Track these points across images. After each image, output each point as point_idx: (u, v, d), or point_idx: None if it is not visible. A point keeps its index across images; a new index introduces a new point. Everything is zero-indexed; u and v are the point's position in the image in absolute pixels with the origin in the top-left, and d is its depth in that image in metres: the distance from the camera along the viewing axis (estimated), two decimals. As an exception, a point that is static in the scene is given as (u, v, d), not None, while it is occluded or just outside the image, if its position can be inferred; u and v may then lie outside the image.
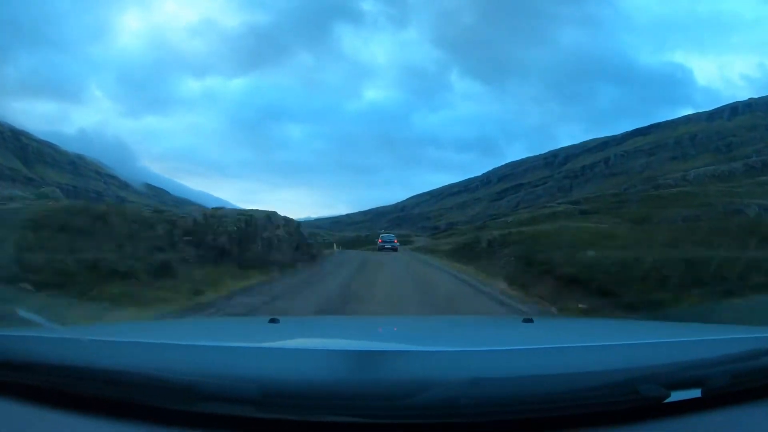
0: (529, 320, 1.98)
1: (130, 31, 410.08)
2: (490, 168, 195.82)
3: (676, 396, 1.00)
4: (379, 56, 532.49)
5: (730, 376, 1.06)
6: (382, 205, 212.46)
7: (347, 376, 1.02)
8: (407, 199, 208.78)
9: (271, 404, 0.97)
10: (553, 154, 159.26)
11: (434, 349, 1.32)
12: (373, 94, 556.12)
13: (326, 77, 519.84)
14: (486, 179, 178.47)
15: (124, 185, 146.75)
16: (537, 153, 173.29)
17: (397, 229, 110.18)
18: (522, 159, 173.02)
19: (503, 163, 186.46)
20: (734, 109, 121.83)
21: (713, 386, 1.04)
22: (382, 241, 34.28)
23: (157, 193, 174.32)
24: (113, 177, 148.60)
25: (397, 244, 34.93)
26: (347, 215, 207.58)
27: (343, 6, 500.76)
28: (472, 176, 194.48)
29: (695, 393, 1.02)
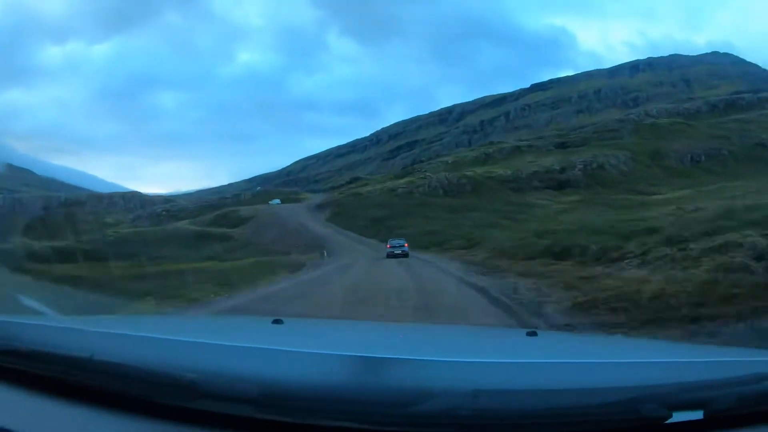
0: (533, 333, 1.89)
1: None
2: (373, 130, 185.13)
3: (678, 417, 0.99)
4: (252, 16, 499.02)
5: (733, 399, 1.05)
6: (265, 172, 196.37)
7: (348, 381, 1.02)
8: (292, 164, 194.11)
9: (270, 405, 0.97)
10: (447, 111, 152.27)
11: (436, 359, 1.29)
12: (248, 57, 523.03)
13: (197, 40, 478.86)
14: (375, 139, 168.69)
15: None
16: (419, 114, 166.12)
17: (284, 193, 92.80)
18: (413, 117, 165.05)
19: (392, 123, 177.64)
20: (635, 67, 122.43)
21: (716, 408, 1.03)
22: (391, 247, 29.08)
23: (20, 174, 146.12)
24: None
25: (407, 248, 28.93)
26: (229, 185, 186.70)
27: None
28: (359, 137, 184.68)
29: (698, 414, 1.01)
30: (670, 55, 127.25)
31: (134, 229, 50.17)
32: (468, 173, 55.05)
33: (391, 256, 27.41)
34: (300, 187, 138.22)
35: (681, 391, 1.04)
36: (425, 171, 60.09)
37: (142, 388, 1.03)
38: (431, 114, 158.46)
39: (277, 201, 66.44)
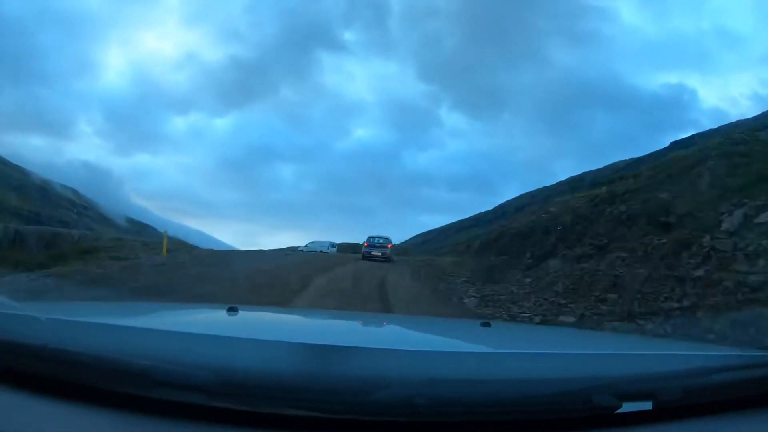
0: (486, 324, 1.93)
1: (114, 66, 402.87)
2: (489, 205, 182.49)
3: (628, 407, 1.02)
4: (364, 92, 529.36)
5: (680, 391, 1.09)
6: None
7: (303, 370, 1.01)
8: (411, 238, 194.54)
9: (225, 393, 0.96)
10: (578, 178, 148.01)
11: (392, 348, 1.31)
12: (362, 132, 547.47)
13: (313, 115, 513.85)
14: (500, 211, 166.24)
15: (101, 218, 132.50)
16: (531, 189, 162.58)
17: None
18: (540, 188, 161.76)
19: (510, 197, 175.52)
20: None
21: (664, 400, 1.06)
22: (369, 245, 22.40)
23: (140, 228, 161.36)
24: (89, 208, 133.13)
25: (390, 250, 22.60)
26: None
27: (324, 40, 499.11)
28: (480, 211, 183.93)
29: (646, 405, 1.04)
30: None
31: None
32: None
33: (366, 258, 20.26)
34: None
35: (631, 382, 1.07)
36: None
37: (96, 377, 1.01)
38: (560, 183, 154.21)
39: (322, 246, 35.68)
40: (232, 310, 1.80)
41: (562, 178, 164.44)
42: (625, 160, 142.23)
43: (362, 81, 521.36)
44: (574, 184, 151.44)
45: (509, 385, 1.02)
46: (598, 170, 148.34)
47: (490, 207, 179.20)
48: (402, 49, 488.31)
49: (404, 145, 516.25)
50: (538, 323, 7.68)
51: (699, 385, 1.13)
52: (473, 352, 1.32)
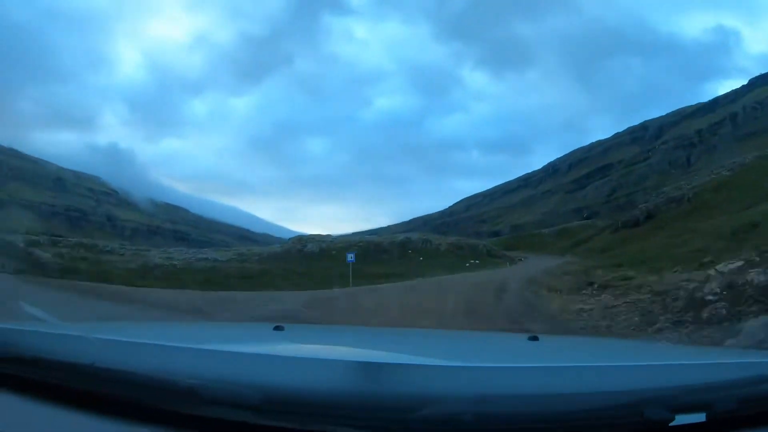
0: (534, 338, 1.94)
1: (128, 58, 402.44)
2: (526, 168, 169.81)
3: (681, 420, 0.99)
4: (381, 59, 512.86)
5: (734, 401, 1.06)
6: (424, 213, 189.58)
7: (350, 387, 1.01)
8: (454, 204, 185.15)
9: (272, 411, 0.97)
10: (641, 127, 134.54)
11: (439, 364, 1.32)
12: (384, 101, 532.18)
13: (331, 86, 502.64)
14: (551, 169, 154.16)
15: (123, 202, 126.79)
16: (570, 150, 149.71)
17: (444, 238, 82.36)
18: (597, 141, 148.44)
19: (571, 150, 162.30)
20: None
21: (717, 410, 1.03)
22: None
23: (167, 210, 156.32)
24: (109, 194, 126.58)
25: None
26: (387, 227, 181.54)
27: (331, 5, 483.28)
28: (525, 172, 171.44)
29: (700, 417, 1.01)
30: None
31: None
32: None
33: None
34: (461, 229, 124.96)
35: (683, 394, 1.05)
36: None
37: (143, 395, 1.03)
38: (621, 133, 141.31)
39: None
40: (278, 328, 1.83)
41: (593, 139, 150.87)
42: (691, 105, 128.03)
43: (376, 47, 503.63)
44: (636, 133, 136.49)
45: (559, 399, 1.01)
46: (663, 116, 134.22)
47: (535, 167, 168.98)
48: (413, 7, 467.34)
49: (430, 110, 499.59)
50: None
51: (754, 394, 1.10)
52: (521, 366, 1.29)
